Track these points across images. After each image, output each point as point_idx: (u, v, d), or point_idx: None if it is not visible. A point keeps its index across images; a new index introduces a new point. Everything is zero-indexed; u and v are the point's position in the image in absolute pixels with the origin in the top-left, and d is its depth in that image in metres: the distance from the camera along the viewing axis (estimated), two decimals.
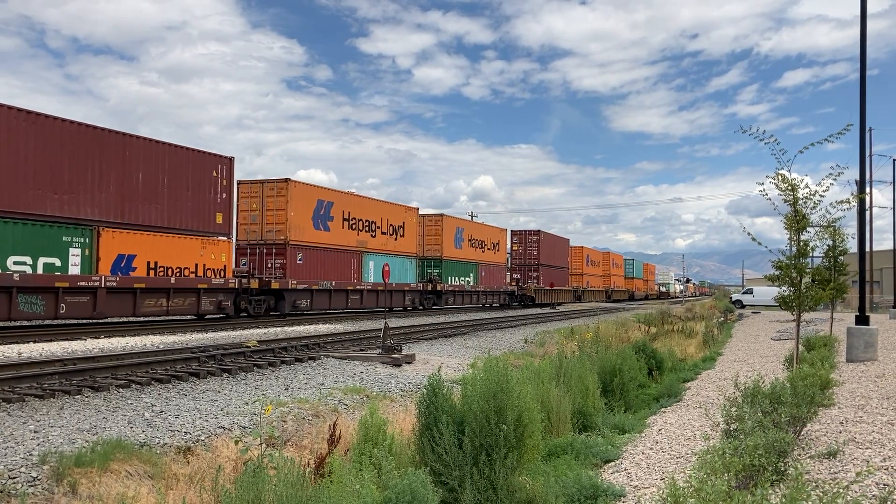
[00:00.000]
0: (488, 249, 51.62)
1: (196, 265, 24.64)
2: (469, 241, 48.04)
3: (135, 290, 21.99)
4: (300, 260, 30.11)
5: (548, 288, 60.25)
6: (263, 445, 7.25)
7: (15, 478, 6.67)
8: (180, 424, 9.07)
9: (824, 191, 10.36)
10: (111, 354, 14.61)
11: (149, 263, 22.79)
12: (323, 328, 25.22)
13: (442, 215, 44.65)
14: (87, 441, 7.90)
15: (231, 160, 26.41)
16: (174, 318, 25.91)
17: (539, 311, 49.21)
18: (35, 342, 17.56)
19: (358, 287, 34.05)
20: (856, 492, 5.25)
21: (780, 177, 10.47)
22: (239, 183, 29.88)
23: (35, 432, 8.24)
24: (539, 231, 60.75)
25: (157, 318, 24.95)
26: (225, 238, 26.20)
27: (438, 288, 42.15)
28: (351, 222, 34.32)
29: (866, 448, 6.99)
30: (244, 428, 9.18)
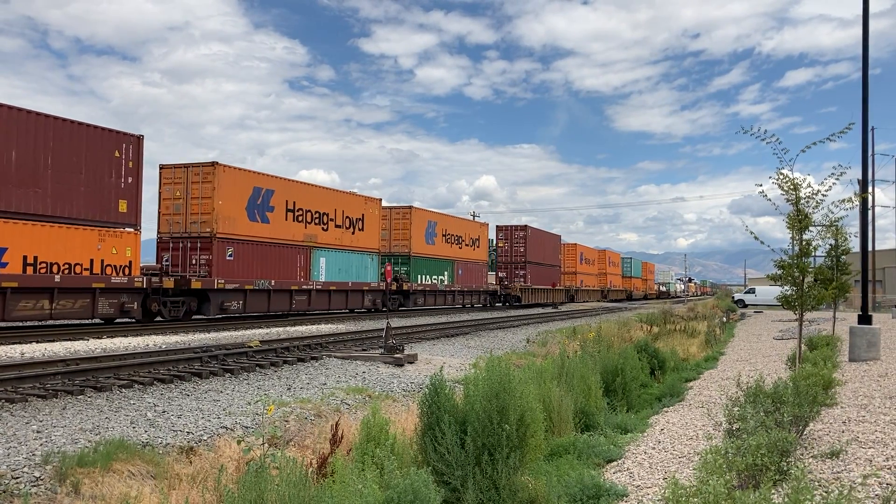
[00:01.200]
0: (466, 246, 47.76)
1: (92, 261, 21.08)
2: (443, 236, 44.01)
3: (3, 291, 18.50)
4: (230, 256, 26.37)
5: (537, 287, 56.98)
6: (266, 445, 7.25)
7: (18, 478, 6.69)
8: (183, 424, 9.08)
9: (827, 190, 10.36)
10: (114, 354, 14.62)
11: (25, 258, 19.29)
12: (325, 328, 25.23)
13: (411, 207, 40.32)
14: (89, 441, 7.92)
15: (139, 139, 22.67)
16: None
17: (541, 310, 49.06)
18: (38, 342, 17.59)
19: (305, 287, 30.19)
20: (859, 491, 5.24)
21: (782, 176, 10.46)
22: (161, 167, 26.54)
23: (38, 432, 8.25)
24: (526, 227, 56.56)
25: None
26: (131, 229, 22.48)
27: (405, 287, 38.44)
28: (297, 214, 30.34)
29: (869, 447, 6.98)
30: (247, 428, 9.19)
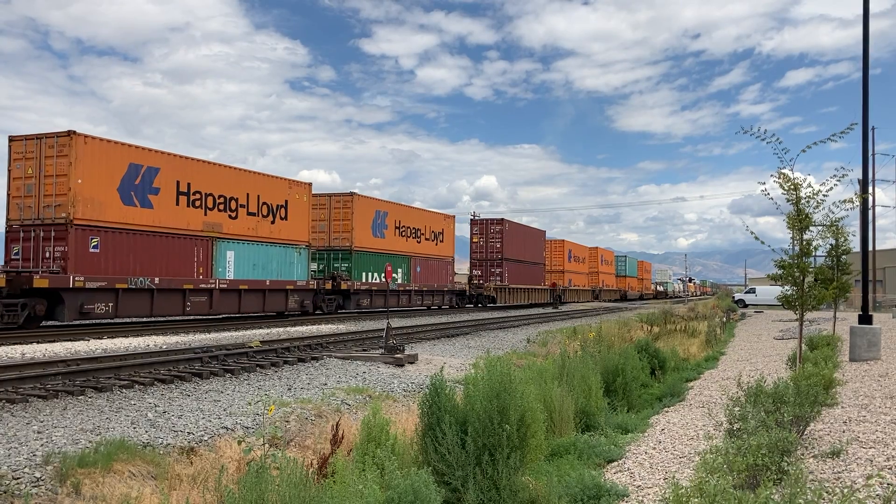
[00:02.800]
0: (427, 240, 42.35)
1: None
2: (397, 228, 38.90)
3: None
4: (95, 247, 21.59)
5: (516, 286, 52.28)
6: (266, 446, 7.25)
7: (19, 478, 6.69)
8: (183, 425, 9.08)
9: (828, 191, 10.36)
10: (114, 355, 14.63)
11: None
12: (325, 328, 25.23)
13: (352, 194, 34.91)
14: (90, 441, 7.92)
15: None
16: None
17: (541, 310, 48.97)
18: (38, 343, 17.60)
19: (205, 286, 25.23)
20: (860, 491, 5.24)
21: (782, 176, 10.46)
22: (11, 140, 22.06)
23: (38, 433, 8.25)
24: (503, 220, 51.82)
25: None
26: None
27: (344, 286, 33.42)
28: (193, 197, 25.27)
29: (870, 447, 6.98)
30: (247, 428, 9.19)
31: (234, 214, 27.23)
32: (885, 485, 5.58)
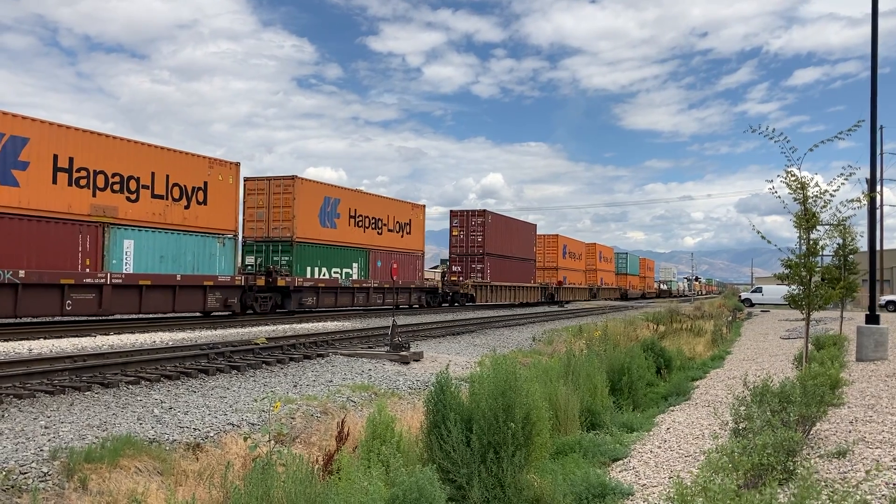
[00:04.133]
0: (390, 231, 37.89)
1: None
2: (352, 217, 34.49)
3: None
4: None
5: (499, 284, 48.02)
6: (272, 442, 7.27)
7: (26, 473, 6.72)
8: (189, 421, 9.12)
9: (835, 190, 10.32)
10: (120, 351, 14.69)
11: None
12: (331, 325, 25.27)
13: (294, 178, 30.69)
14: (97, 437, 7.95)
15: None
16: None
17: (547, 308, 48.89)
18: (45, 339, 17.68)
19: (91, 280, 21.13)
20: (865, 491, 5.23)
21: (789, 175, 10.43)
22: None
23: (46, 428, 8.29)
24: (485, 211, 47.31)
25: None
26: None
27: (282, 283, 29.19)
28: (78, 175, 21.19)
29: (876, 448, 6.96)
30: (253, 425, 9.21)
31: (133, 196, 22.79)
32: (892, 485, 5.56)
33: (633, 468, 7.33)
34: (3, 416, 8.81)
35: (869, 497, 5.09)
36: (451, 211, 47.88)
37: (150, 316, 24.81)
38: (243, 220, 30.44)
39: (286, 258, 30.43)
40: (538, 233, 59.72)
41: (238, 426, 9.07)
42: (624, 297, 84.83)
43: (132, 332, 20.01)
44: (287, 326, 24.29)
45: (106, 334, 19.20)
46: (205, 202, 25.78)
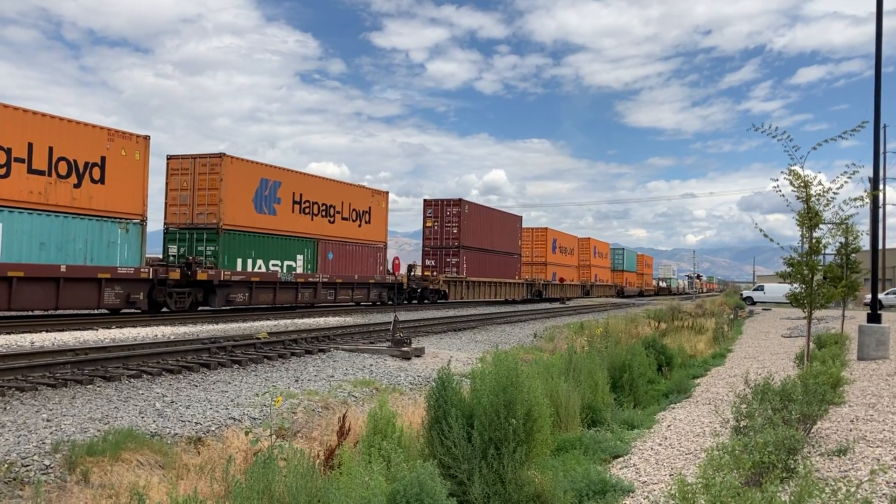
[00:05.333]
0: (344, 220, 33.79)
1: None
2: (296, 203, 30.57)
3: None
4: None
5: (477, 280, 44.49)
6: (274, 437, 7.29)
7: (28, 466, 6.74)
8: (191, 415, 9.14)
9: (838, 188, 10.31)
10: (123, 345, 14.71)
11: None
12: (332, 321, 25.28)
13: (222, 156, 26.67)
14: (98, 430, 7.97)
15: None
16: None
17: (549, 305, 48.80)
18: (47, 332, 17.71)
19: None
20: (866, 490, 5.23)
21: (793, 173, 10.42)
22: None
23: (48, 421, 8.31)
24: (461, 200, 43.46)
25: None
26: None
27: (203, 276, 25.08)
28: None
29: (877, 446, 6.97)
30: (254, 419, 9.23)
31: (3, 171, 19.30)
32: (892, 484, 5.57)
33: (634, 465, 7.33)
34: (5, 408, 8.83)
35: (869, 496, 5.09)
36: (424, 200, 44.48)
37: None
38: (166, 203, 27.17)
39: (212, 248, 26.47)
40: (527, 226, 56.83)
41: (239, 420, 9.09)
42: (620, 295, 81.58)
43: (134, 326, 20.04)
44: (288, 321, 24.26)
45: (108, 328, 19.23)
46: (102, 181, 21.84)
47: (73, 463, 6.87)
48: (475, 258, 44.79)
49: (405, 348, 16.05)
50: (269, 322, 23.60)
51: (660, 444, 8.22)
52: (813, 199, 10.44)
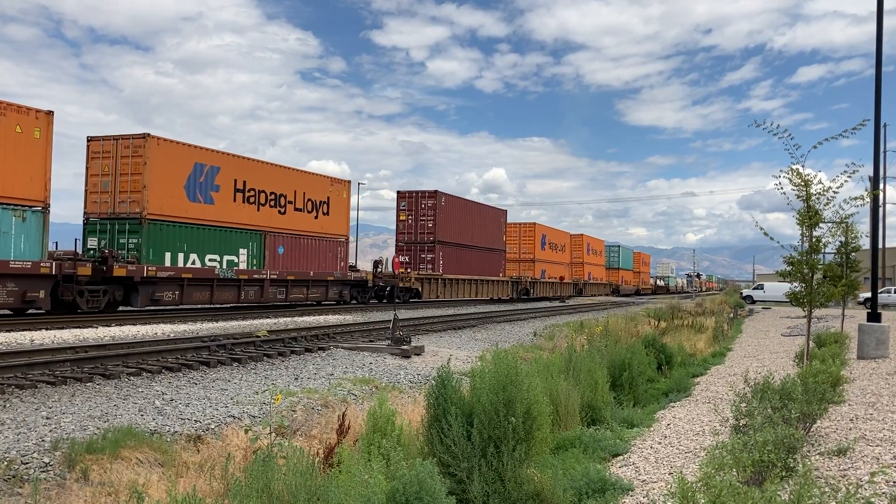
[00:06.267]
0: (299, 210, 30.82)
1: None
2: (239, 191, 27.52)
3: None
4: None
5: (454, 277, 41.58)
6: (273, 435, 7.29)
7: (28, 463, 6.74)
8: (190, 413, 9.13)
9: (838, 187, 10.31)
10: (122, 342, 14.71)
11: None
12: (332, 319, 25.26)
13: (146, 136, 23.62)
14: (98, 428, 7.97)
15: None
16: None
17: (549, 304, 48.76)
18: (47, 329, 17.70)
19: None
20: (866, 489, 5.23)
21: (793, 172, 10.42)
22: None
23: (47, 419, 8.31)
24: (437, 192, 40.40)
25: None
26: None
27: (120, 272, 22.03)
28: None
29: (877, 445, 6.97)
30: (254, 417, 9.23)
31: None
32: (892, 483, 5.57)
33: (634, 464, 7.33)
34: (5, 406, 8.83)
35: (869, 495, 5.09)
36: (398, 192, 41.49)
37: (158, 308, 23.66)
38: (86, 191, 24.19)
39: (135, 240, 23.53)
40: (513, 221, 54.43)
41: (239, 418, 9.08)
42: (615, 293, 79.20)
43: (133, 324, 20.03)
44: (288, 319, 24.20)
45: (108, 326, 19.22)
46: None
47: (72, 461, 6.86)
48: (453, 254, 41.98)
49: (405, 346, 16.05)
50: (268, 320, 23.58)
51: (659, 443, 8.22)
52: (813, 197, 10.45)
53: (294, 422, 9.37)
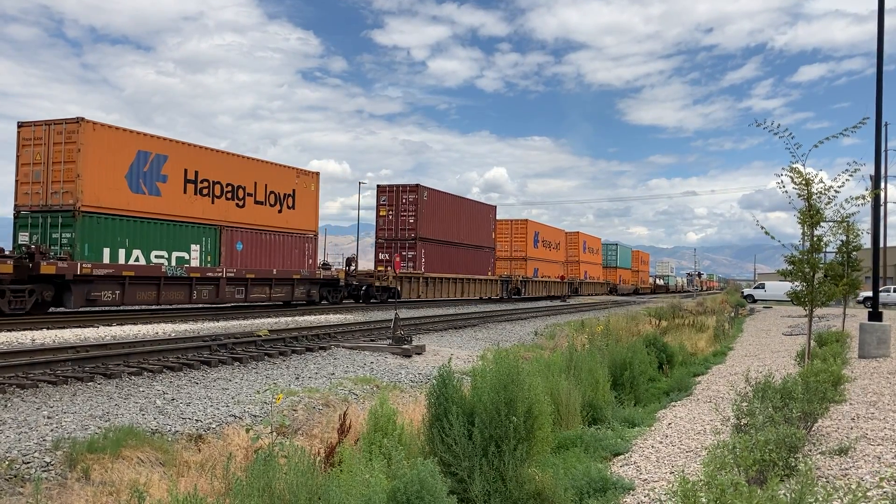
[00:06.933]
0: (260, 203, 28.61)
1: None
2: (191, 181, 25.33)
3: None
4: None
5: (438, 276, 39.64)
6: (274, 434, 7.29)
7: (29, 463, 6.75)
8: (191, 412, 9.14)
9: (840, 186, 10.30)
10: (123, 342, 14.72)
11: None
12: (333, 318, 25.27)
13: (80, 121, 21.51)
14: (99, 427, 7.97)
15: None
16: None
17: (549, 303, 48.71)
18: (48, 329, 17.71)
19: None
20: (866, 488, 5.22)
21: (794, 171, 10.42)
22: None
23: (48, 418, 8.32)
24: (418, 186, 38.44)
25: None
26: None
27: (53, 271, 19.97)
28: None
29: (878, 444, 6.96)
30: (255, 416, 9.23)
31: None
32: (894, 482, 5.56)
33: (635, 463, 7.33)
34: (6, 405, 8.83)
35: (870, 493, 5.09)
36: (378, 186, 39.61)
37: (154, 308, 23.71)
38: (16, 181, 22.47)
39: (68, 235, 21.48)
40: (504, 217, 52.64)
41: (240, 418, 9.09)
42: (612, 293, 77.59)
43: (135, 324, 20.05)
44: (289, 319, 24.17)
45: (109, 325, 19.23)
46: None
47: (73, 460, 6.87)
48: (436, 251, 39.90)
49: (406, 346, 16.05)
50: (269, 320, 23.59)
51: (660, 442, 8.22)
52: (814, 197, 10.44)
53: (295, 421, 9.37)
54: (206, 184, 26.06)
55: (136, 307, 23.68)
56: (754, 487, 3.74)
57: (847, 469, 6.14)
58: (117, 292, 22.01)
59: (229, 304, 27.27)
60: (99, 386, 10.42)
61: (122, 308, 23.31)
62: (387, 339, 17.05)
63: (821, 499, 3.77)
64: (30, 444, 7.17)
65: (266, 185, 29.14)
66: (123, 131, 23.02)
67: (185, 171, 25.21)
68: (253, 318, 23.73)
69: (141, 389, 10.36)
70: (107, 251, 22.17)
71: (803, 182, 10.39)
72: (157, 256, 23.84)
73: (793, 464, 5.42)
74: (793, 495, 3.80)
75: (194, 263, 25.28)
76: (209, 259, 26.08)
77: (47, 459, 6.85)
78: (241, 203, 27.72)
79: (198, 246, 25.62)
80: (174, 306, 25.62)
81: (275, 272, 28.80)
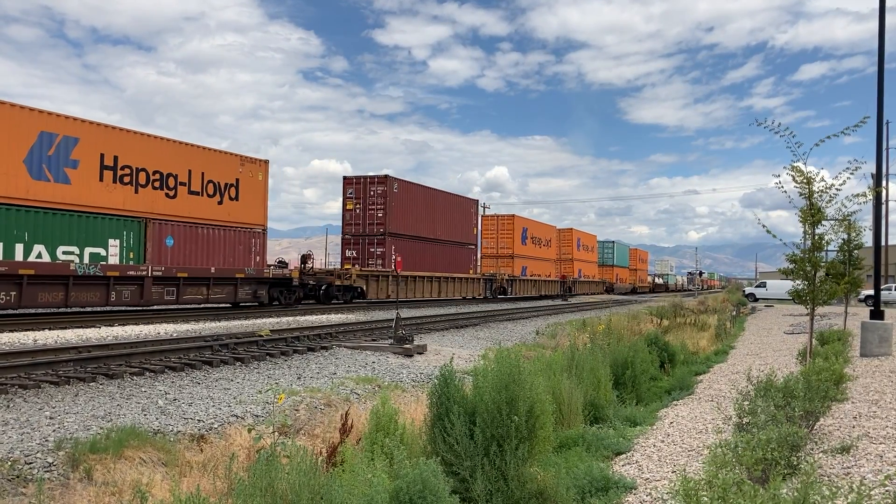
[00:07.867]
0: (194, 194, 25.44)
1: None
2: (108, 168, 22.26)
3: None
4: None
5: (412, 274, 36.80)
6: (276, 434, 7.30)
7: (31, 463, 6.75)
8: (193, 412, 9.14)
9: (841, 184, 10.30)
10: (125, 342, 14.73)
11: None
12: (335, 318, 25.28)
13: None
14: (101, 428, 7.98)
15: None
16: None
17: (551, 302, 48.67)
18: (50, 329, 17.73)
19: None
20: (868, 487, 5.22)
21: (795, 170, 10.41)
22: None
23: (50, 418, 8.33)
24: (387, 177, 35.35)
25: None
26: None
27: None
28: None
29: (880, 443, 6.96)
30: (257, 416, 9.24)
31: None
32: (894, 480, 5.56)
33: (637, 462, 7.33)
34: (8, 406, 8.85)
35: (873, 492, 5.08)
36: (344, 178, 36.39)
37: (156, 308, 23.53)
38: None
39: None
40: (492, 213, 50.51)
41: (242, 418, 9.09)
42: (609, 292, 74.89)
43: (136, 324, 20.06)
44: (291, 318, 24.21)
45: (110, 325, 19.25)
46: None
47: (76, 460, 6.88)
48: (409, 248, 36.74)
49: (407, 345, 16.05)
50: (270, 319, 23.60)
51: (662, 441, 8.21)
52: (815, 195, 10.43)
53: (297, 421, 9.38)
54: (127, 171, 22.94)
55: (114, 308, 23.56)
56: (757, 486, 3.74)
57: (849, 468, 6.14)
58: (13, 293, 19.16)
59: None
60: (101, 386, 10.43)
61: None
62: (388, 339, 17.05)
63: (824, 498, 3.77)
64: (32, 445, 7.18)
65: (203, 174, 25.87)
66: (21, 108, 19.98)
67: (102, 155, 22.06)
68: (254, 318, 23.76)
69: (143, 389, 10.37)
70: (4, 246, 19.24)
71: (804, 181, 10.39)
72: (64, 252, 20.83)
73: (795, 463, 5.41)
74: (796, 494, 3.80)
75: (113, 261, 22.26)
76: (132, 256, 23.03)
77: (50, 460, 6.85)
78: (171, 193, 24.53)
79: (117, 241, 22.56)
80: (174, 306, 25.69)
81: (213, 270, 25.65)
